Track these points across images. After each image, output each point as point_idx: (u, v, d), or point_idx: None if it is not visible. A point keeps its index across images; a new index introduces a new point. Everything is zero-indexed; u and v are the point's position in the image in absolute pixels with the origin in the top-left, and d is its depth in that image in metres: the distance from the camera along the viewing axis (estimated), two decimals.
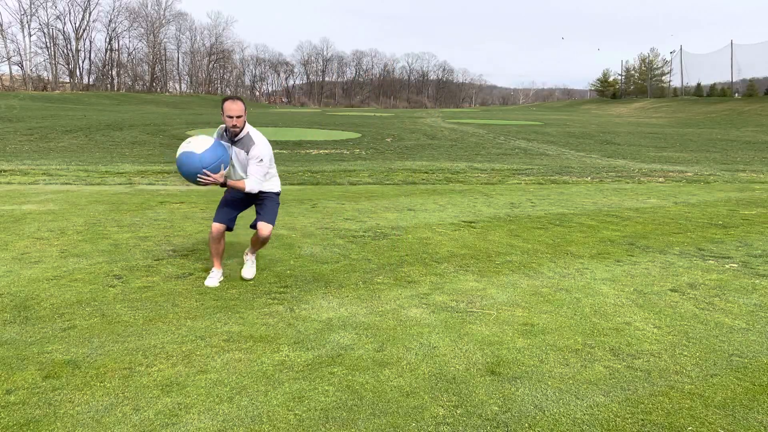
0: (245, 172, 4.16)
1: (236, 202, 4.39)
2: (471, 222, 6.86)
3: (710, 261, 5.25)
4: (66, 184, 9.43)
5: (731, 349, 3.34)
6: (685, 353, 3.27)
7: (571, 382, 2.92)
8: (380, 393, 2.77)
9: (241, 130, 4.12)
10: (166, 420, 2.51)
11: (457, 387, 2.84)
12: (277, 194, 4.47)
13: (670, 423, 2.56)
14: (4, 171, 10.85)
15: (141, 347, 3.21)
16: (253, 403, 2.66)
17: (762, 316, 3.87)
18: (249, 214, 4.57)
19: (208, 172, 3.91)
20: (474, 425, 2.52)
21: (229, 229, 4.40)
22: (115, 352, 3.15)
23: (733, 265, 5.13)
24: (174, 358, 3.10)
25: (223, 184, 4.05)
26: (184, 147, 3.98)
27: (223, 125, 4.20)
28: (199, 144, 3.96)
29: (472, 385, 2.86)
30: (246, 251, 4.60)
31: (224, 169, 4.01)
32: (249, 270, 4.49)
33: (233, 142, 4.16)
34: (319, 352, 3.21)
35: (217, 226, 4.32)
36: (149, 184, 9.64)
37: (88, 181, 9.80)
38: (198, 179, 3.93)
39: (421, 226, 6.53)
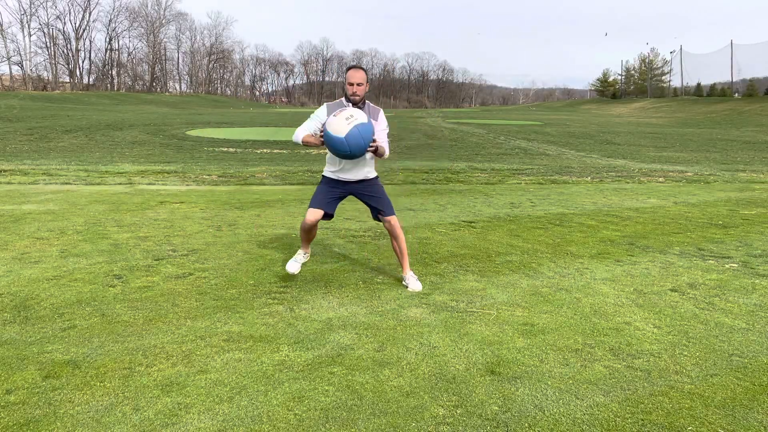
0: None
1: (335, 190, 4.35)
2: (471, 222, 6.86)
3: (710, 261, 5.25)
4: (66, 184, 9.43)
5: (731, 349, 3.34)
6: (685, 353, 3.27)
7: (571, 382, 2.92)
8: (380, 393, 2.77)
9: (362, 99, 4.17)
10: (166, 420, 2.51)
11: (457, 387, 2.84)
12: (378, 178, 4.47)
13: (670, 423, 2.56)
14: (4, 171, 10.85)
15: (141, 347, 3.21)
16: (253, 403, 2.66)
17: (762, 316, 3.87)
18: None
19: (375, 139, 3.99)
20: (474, 425, 2.52)
21: (329, 216, 4.35)
22: (115, 352, 3.15)
23: (733, 265, 5.13)
24: (174, 358, 3.10)
25: (375, 150, 4.07)
26: (356, 120, 3.90)
27: (338, 100, 4.26)
28: (362, 116, 3.96)
29: (472, 385, 2.86)
30: (403, 274, 4.41)
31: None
32: (414, 284, 4.31)
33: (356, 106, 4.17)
34: (319, 352, 3.21)
35: (313, 213, 4.23)
36: (149, 184, 9.64)
37: (88, 181, 9.80)
38: (369, 148, 3.96)
39: (421, 226, 6.53)
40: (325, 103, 4.32)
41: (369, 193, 4.38)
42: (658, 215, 7.54)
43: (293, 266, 4.36)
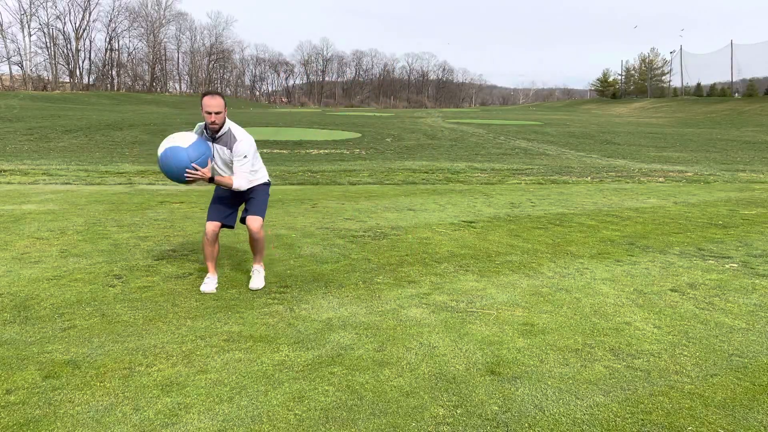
0: (229, 168, 4.06)
1: (227, 198, 4.28)
2: (471, 222, 6.86)
3: (710, 261, 5.25)
4: (66, 184, 9.43)
5: (731, 349, 3.34)
6: (685, 353, 3.27)
7: (571, 382, 2.92)
8: (380, 393, 2.77)
9: (221, 127, 3.98)
10: (166, 420, 2.51)
11: (457, 387, 2.84)
12: (267, 184, 4.36)
13: (670, 423, 2.56)
14: (4, 171, 10.85)
15: (141, 347, 3.21)
16: (253, 403, 2.66)
17: (762, 316, 3.87)
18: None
19: (197, 166, 3.79)
20: (474, 425, 2.52)
21: (229, 226, 4.30)
22: (115, 352, 3.15)
23: (733, 265, 5.13)
24: (174, 358, 3.10)
25: (211, 180, 3.94)
26: (169, 142, 3.84)
27: (202, 123, 4.08)
28: (183, 139, 3.85)
29: (472, 385, 2.86)
30: (253, 264, 4.44)
31: (211, 163, 3.92)
32: (255, 280, 4.30)
33: (214, 140, 4.01)
34: (319, 352, 3.21)
35: (211, 226, 4.17)
36: (149, 184, 9.64)
37: (88, 181, 9.80)
38: (186, 175, 3.80)
39: (421, 226, 6.52)
40: (195, 129, 4.14)
41: (249, 196, 4.28)
42: (658, 215, 7.54)
43: (207, 287, 4.20)
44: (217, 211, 4.25)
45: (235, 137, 4.01)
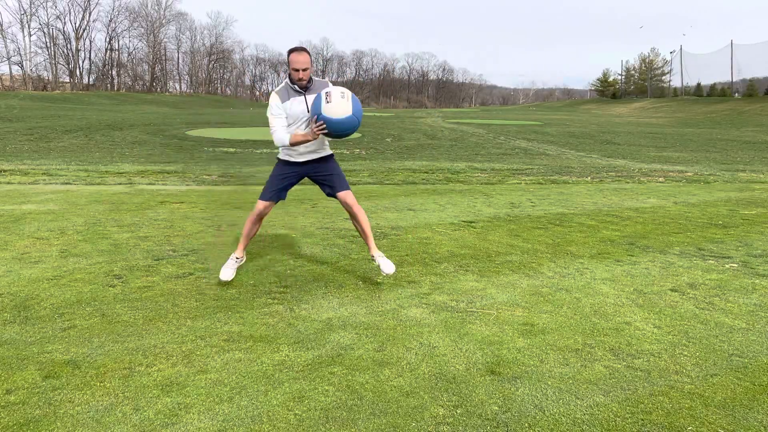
0: None
1: (289, 176, 4.28)
2: (471, 222, 6.86)
3: (710, 261, 5.25)
4: (66, 184, 9.43)
5: (731, 349, 3.34)
6: (685, 353, 3.27)
7: (571, 382, 2.92)
8: (380, 393, 2.77)
9: (308, 82, 4.05)
10: (166, 420, 2.51)
11: (457, 387, 2.84)
12: (333, 155, 4.38)
13: (670, 423, 2.56)
14: (4, 171, 10.85)
15: (141, 347, 3.21)
16: (253, 403, 2.66)
17: (762, 316, 3.87)
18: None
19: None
20: (474, 425, 2.52)
21: (279, 200, 4.30)
22: (115, 352, 3.15)
23: (733, 265, 5.13)
24: (174, 358, 3.10)
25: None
26: (346, 91, 3.91)
27: (283, 84, 4.12)
28: (339, 87, 3.95)
29: (472, 385, 2.86)
30: (370, 252, 4.32)
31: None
32: (386, 265, 4.19)
33: (306, 93, 4.07)
34: (319, 352, 3.21)
35: (264, 204, 4.17)
36: (149, 184, 9.64)
37: (88, 181, 9.80)
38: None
39: (421, 226, 6.52)
40: (273, 93, 4.13)
41: (322, 171, 4.29)
42: (658, 215, 7.54)
43: (226, 273, 4.27)
44: (275, 188, 4.25)
45: (323, 81, 4.14)
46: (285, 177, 4.32)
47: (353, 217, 4.32)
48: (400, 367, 3.04)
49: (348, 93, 3.92)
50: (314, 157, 4.27)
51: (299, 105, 4.09)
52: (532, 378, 2.95)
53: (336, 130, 3.91)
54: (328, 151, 4.34)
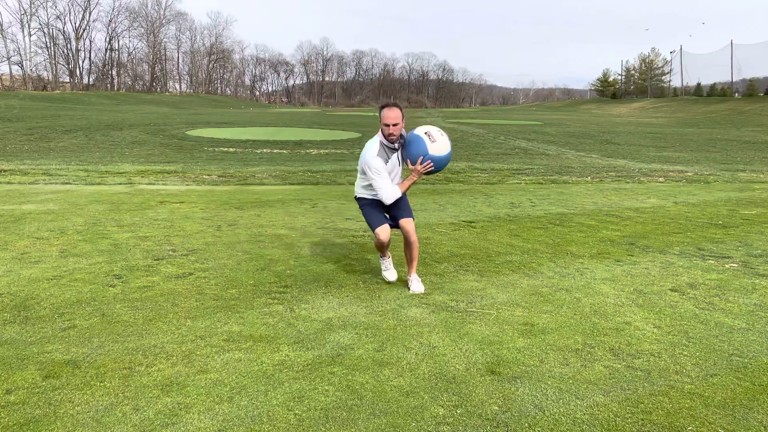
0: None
1: (381, 205, 4.34)
2: (471, 222, 6.86)
3: (710, 261, 5.25)
4: (66, 183, 9.43)
5: (731, 349, 3.34)
6: (685, 353, 3.27)
7: (571, 382, 2.92)
8: (380, 393, 2.77)
9: (399, 137, 4.15)
10: (166, 420, 2.51)
11: (457, 387, 2.84)
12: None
13: (670, 423, 2.56)
14: (4, 171, 10.85)
15: (141, 347, 3.21)
16: (253, 403, 2.66)
17: (762, 316, 3.87)
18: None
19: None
20: (474, 425, 2.52)
21: (395, 226, 4.36)
22: (115, 352, 3.15)
23: (733, 265, 5.13)
24: (174, 358, 3.10)
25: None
26: (440, 130, 4.23)
27: (377, 144, 4.14)
28: (434, 127, 4.24)
29: (472, 385, 2.86)
30: (407, 276, 4.43)
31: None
32: (415, 285, 4.32)
33: (395, 148, 4.21)
34: (319, 352, 3.21)
35: (385, 229, 4.25)
36: (149, 184, 9.64)
37: (88, 180, 9.80)
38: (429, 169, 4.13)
39: (421, 226, 6.52)
40: (372, 157, 4.13)
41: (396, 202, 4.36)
42: (658, 215, 7.54)
43: (391, 275, 4.47)
44: (382, 214, 4.34)
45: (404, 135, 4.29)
46: (376, 203, 4.35)
47: (406, 244, 4.38)
48: (400, 367, 3.04)
49: (438, 130, 4.18)
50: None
51: (395, 160, 4.24)
52: (532, 378, 2.94)
53: (441, 166, 4.18)
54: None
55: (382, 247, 4.38)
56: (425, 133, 4.12)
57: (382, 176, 4.14)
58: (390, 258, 4.53)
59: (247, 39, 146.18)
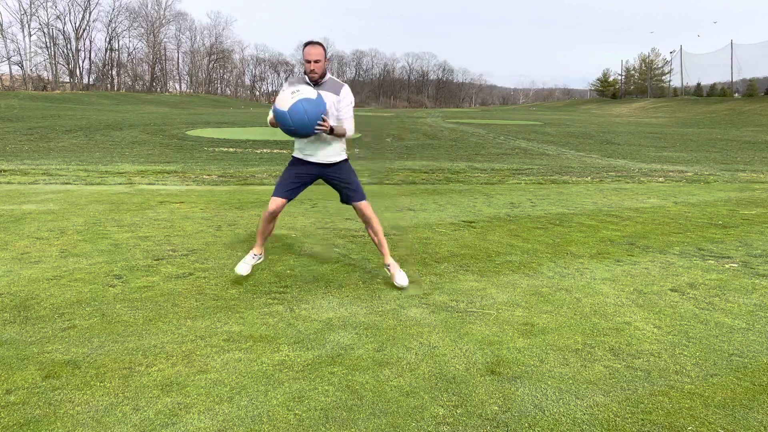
0: (333, 118, 4.04)
1: (302, 175, 4.21)
2: (471, 222, 6.86)
3: (710, 261, 5.25)
4: (66, 184, 9.43)
5: (731, 349, 3.34)
6: (685, 353, 3.27)
7: (571, 382, 2.92)
8: (380, 393, 2.77)
9: (321, 76, 4.01)
10: (166, 420, 2.51)
11: (457, 387, 2.84)
12: (347, 160, 4.31)
13: (670, 423, 2.56)
14: (4, 171, 10.85)
15: (141, 347, 3.21)
16: (253, 403, 2.66)
17: (762, 316, 3.87)
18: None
19: (326, 117, 3.85)
20: (474, 425, 2.52)
21: (290, 200, 4.23)
22: (115, 352, 3.15)
23: (733, 265, 5.13)
24: (174, 358, 3.10)
25: (331, 131, 3.94)
26: (298, 95, 3.80)
27: (298, 76, 4.11)
28: (310, 92, 3.85)
29: (472, 385, 2.86)
30: (385, 262, 4.35)
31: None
32: (399, 276, 4.24)
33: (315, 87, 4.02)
34: (319, 352, 3.21)
35: (277, 202, 4.10)
36: (149, 184, 9.64)
37: (88, 180, 9.80)
38: (317, 126, 3.81)
39: (421, 226, 6.52)
40: (286, 81, 4.17)
41: (337, 177, 4.24)
42: (658, 215, 7.54)
43: (243, 268, 4.25)
44: (287, 186, 4.18)
45: (338, 84, 4.07)
46: (298, 176, 4.23)
47: (368, 226, 4.34)
48: (400, 367, 3.04)
49: (301, 94, 3.79)
50: (327, 160, 4.19)
51: None
52: (532, 378, 2.95)
53: (276, 119, 3.89)
54: (342, 156, 4.25)
55: (264, 225, 4.18)
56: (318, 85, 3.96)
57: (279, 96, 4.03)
58: (260, 255, 4.31)
59: (247, 39, 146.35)
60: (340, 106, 4.06)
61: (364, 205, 4.27)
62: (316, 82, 4.05)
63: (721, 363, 3.15)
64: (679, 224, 6.92)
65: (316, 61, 3.97)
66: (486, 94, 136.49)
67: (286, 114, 3.80)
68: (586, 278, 4.65)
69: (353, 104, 4.13)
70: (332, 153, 4.18)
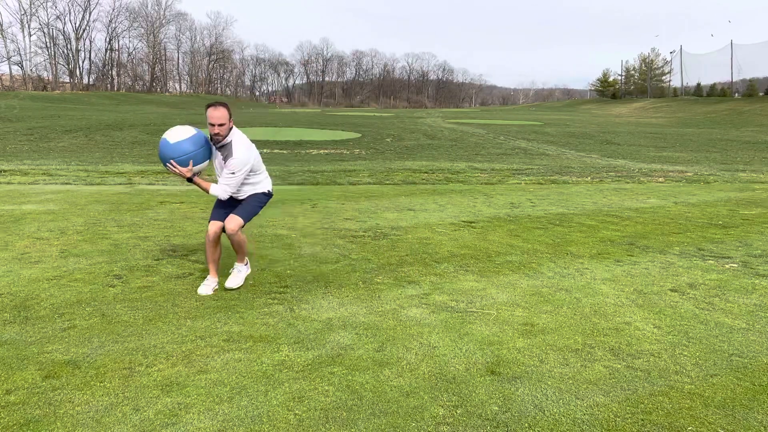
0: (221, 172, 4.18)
1: (229, 200, 4.28)
2: (471, 222, 6.86)
3: (710, 261, 5.25)
4: (66, 184, 9.43)
5: (731, 349, 3.34)
6: (685, 353, 3.27)
7: (571, 382, 2.92)
8: (380, 393, 2.77)
9: (224, 137, 4.06)
10: (166, 420, 2.51)
11: (457, 387, 2.84)
12: (265, 194, 4.38)
13: (670, 423, 2.56)
14: (4, 171, 10.85)
15: (141, 347, 3.21)
16: (253, 403, 2.66)
17: (762, 316, 3.87)
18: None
19: (175, 164, 3.97)
20: (474, 425, 2.52)
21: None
22: (115, 352, 3.15)
23: (733, 265, 5.13)
24: (174, 358, 3.10)
25: (190, 180, 4.05)
26: (168, 132, 4.09)
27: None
28: (176, 134, 4.04)
29: (472, 385, 2.86)
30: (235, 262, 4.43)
31: (194, 165, 4.01)
32: (231, 279, 4.29)
33: (218, 147, 4.13)
34: (319, 352, 3.21)
35: (212, 226, 4.17)
36: (149, 184, 9.64)
37: (88, 181, 9.80)
38: (167, 166, 4.02)
39: (421, 226, 6.52)
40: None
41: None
42: (658, 215, 7.54)
43: (204, 289, 4.17)
44: (219, 211, 4.25)
45: (232, 152, 4.08)
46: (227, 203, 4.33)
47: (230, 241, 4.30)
48: (400, 367, 3.04)
49: (171, 134, 4.04)
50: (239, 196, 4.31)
51: (220, 159, 4.17)
52: (532, 378, 2.94)
53: (163, 153, 4.04)
54: (242, 196, 4.31)
55: (208, 250, 4.20)
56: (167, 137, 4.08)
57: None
58: (214, 280, 4.23)
59: (247, 39, 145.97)
60: (223, 172, 4.12)
61: (231, 218, 4.16)
62: (218, 142, 4.10)
63: (721, 363, 3.15)
64: (679, 224, 6.92)
65: (220, 125, 4.00)
66: (486, 94, 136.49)
67: (164, 140, 4.03)
68: (586, 278, 4.65)
69: (235, 175, 4.08)
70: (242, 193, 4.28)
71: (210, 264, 4.25)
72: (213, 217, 4.24)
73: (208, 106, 4.05)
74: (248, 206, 4.28)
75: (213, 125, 4.00)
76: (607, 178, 11.80)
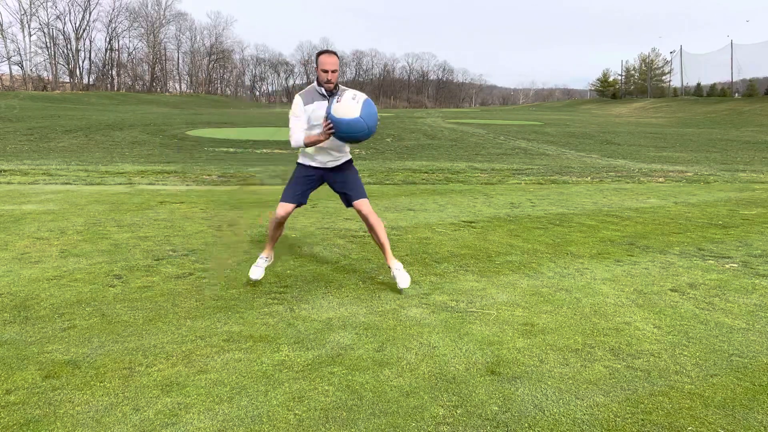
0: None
1: (310, 178, 4.21)
2: (471, 222, 6.86)
3: (710, 261, 5.25)
4: (66, 184, 9.43)
5: (731, 349, 3.34)
6: (685, 353, 3.27)
7: (571, 382, 2.92)
8: (380, 393, 2.77)
9: (336, 85, 3.99)
10: (166, 420, 2.51)
11: (457, 387, 2.84)
12: (352, 161, 4.31)
13: (670, 423, 2.56)
14: (4, 171, 10.85)
15: (141, 347, 3.21)
16: (253, 403, 2.66)
17: (762, 316, 3.87)
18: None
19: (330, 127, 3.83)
20: (474, 425, 2.52)
21: (301, 204, 4.26)
22: (115, 352, 3.15)
23: (733, 265, 5.13)
24: (174, 358, 3.10)
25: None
26: (361, 96, 3.84)
27: (310, 87, 4.07)
28: (358, 92, 3.88)
29: (472, 385, 2.86)
30: (387, 263, 4.26)
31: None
32: (401, 278, 4.16)
33: (331, 97, 3.96)
34: (319, 352, 3.21)
35: (286, 207, 4.12)
36: (149, 184, 9.64)
37: (88, 181, 9.80)
38: (327, 130, 3.86)
39: (421, 226, 6.52)
40: (297, 95, 4.11)
41: (339, 180, 4.24)
42: (658, 215, 7.54)
43: (256, 272, 4.26)
44: (295, 191, 4.20)
45: (344, 89, 4.01)
46: (306, 179, 4.24)
47: (369, 227, 4.28)
48: (400, 367, 3.04)
49: (361, 96, 3.82)
50: (332, 164, 4.21)
51: (321, 110, 3.98)
52: (532, 378, 2.94)
53: (343, 132, 3.83)
54: (346, 157, 4.25)
55: (273, 230, 4.22)
56: (339, 93, 3.90)
57: (296, 116, 4.03)
58: (270, 258, 4.33)
59: (247, 39, 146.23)
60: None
61: (361, 202, 4.21)
62: (330, 93, 4.01)
63: (721, 363, 3.15)
64: (679, 224, 6.92)
65: (333, 71, 3.93)
66: (486, 94, 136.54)
67: (361, 120, 3.78)
68: (586, 278, 4.65)
69: (358, 95, 3.99)
70: (341, 155, 4.23)
71: (271, 242, 4.30)
72: (287, 199, 4.18)
73: (321, 53, 3.98)
74: (360, 182, 4.25)
75: (327, 71, 3.91)
76: (607, 178, 11.80)
